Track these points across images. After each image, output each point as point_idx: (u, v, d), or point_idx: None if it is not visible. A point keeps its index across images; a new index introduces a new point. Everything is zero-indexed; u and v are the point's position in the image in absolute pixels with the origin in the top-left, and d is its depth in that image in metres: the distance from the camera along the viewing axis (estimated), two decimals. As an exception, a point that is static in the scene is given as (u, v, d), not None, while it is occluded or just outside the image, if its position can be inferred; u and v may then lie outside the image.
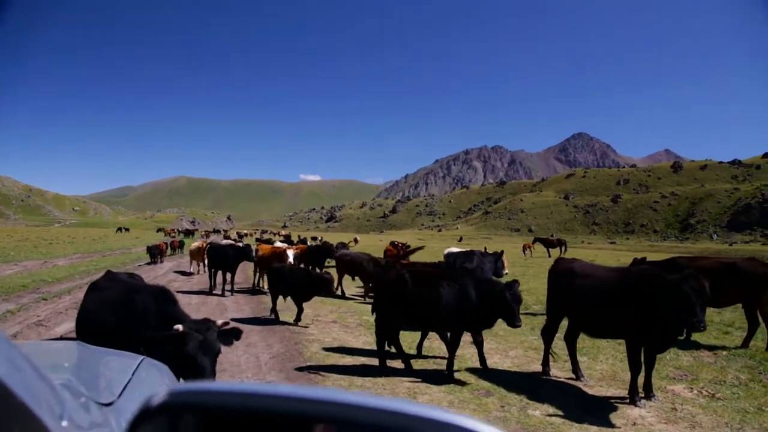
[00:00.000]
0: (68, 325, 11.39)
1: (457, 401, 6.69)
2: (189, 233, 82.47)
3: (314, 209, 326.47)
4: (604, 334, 7.49)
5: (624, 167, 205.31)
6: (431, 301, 7.66)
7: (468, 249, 15.55)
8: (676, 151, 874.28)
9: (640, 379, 6.90)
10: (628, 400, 6.78)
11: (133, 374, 2.42)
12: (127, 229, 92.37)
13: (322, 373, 7.89)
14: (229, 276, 17.33)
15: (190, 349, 4.39)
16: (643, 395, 6.85)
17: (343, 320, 12.51)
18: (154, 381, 2.63)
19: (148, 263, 27.62)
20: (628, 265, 11.65)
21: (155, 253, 28.95)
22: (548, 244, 45.74)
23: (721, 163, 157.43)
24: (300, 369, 8.12)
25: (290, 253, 16.92)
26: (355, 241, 46.67)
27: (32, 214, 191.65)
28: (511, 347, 9.84)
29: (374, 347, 9.68)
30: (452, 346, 7.89)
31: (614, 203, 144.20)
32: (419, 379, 7.60)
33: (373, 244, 54.83)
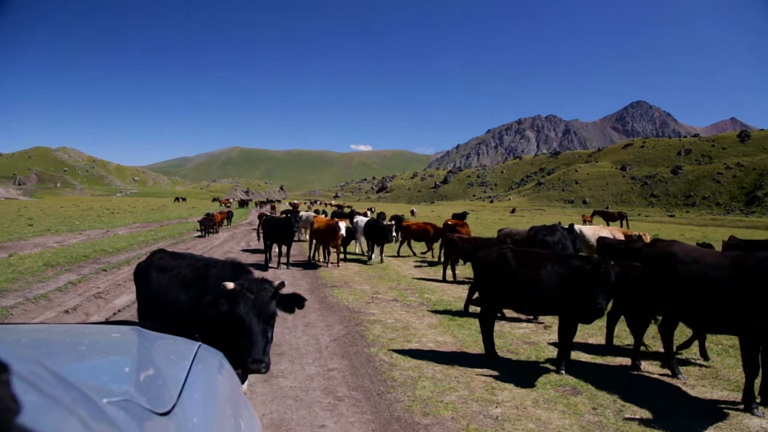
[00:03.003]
0: (126, 298, 11.28)
1: (542, 400, 5.99)
2: (243, 203, 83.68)
3: (365, 179, 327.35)
4: (714, 329, 6.56)
5: (686, 137, 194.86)
6: (536, 284, 6.94)
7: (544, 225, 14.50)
8: (742, 119, 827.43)
9: (757, 382, 6.01)
10: (742, 407, 5.90)
11: (189, 369, 1.99)
12: (184, 199, 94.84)
13: (388, 361, 7.33)
14: (284, 248, 17.02)
15: (241, 310, 3.93)
16: (759, 401, 5.95)
17: (405, 299, 11.94)
18: (212, 377, 2.18)
19: (199, 236, 27.50)
20: (721, 244, 10.48)
21: (207, 226, 28.34)
22: (608, 217, 44.02)
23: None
24: (365, 355, 7.58)
25: (342, 225, 16.43)
26: (412, 213, 46.15)
27: (96, 184, 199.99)
28: (590, 334, 9.02)
29: (441, 330, 9.11)
30: (561, 337, 7.11)
31: (674, 174, 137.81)
32: (497, 372, 6.92)
33: (425, 215, 53.89)
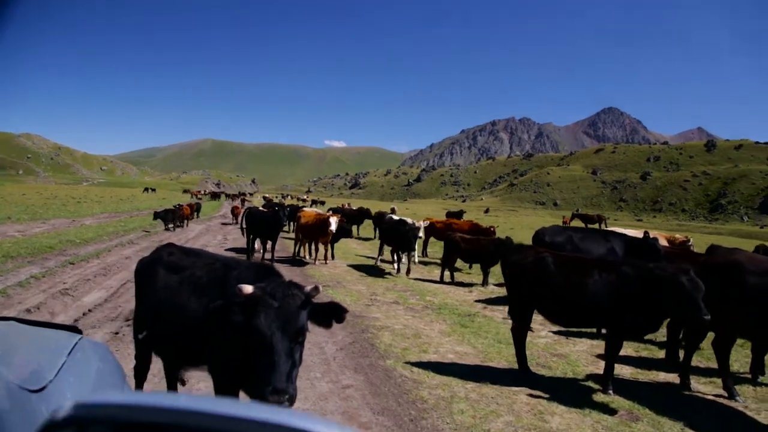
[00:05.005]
0: (97, 295, 10.11)
1: (601, 428, 5.16)
2: (215, 196, 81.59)
3: (338, 175, 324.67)
4: None
5: (655, 144, 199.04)
6: (578, 292, 6.09)
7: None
8: (708, 129, 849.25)
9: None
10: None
11: (68, 356, 2.27)
12: (153, 190, 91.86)
13: (409, 377, 6.41)
14: (269, 244, 15.94)
15: (261, 322, 2.97)
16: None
17: (405, 301, 11.05)
18: (91, 364, 2.47)
19: (166, 228, 25.21)
20: (705, 251, 9.83)
21: (169, 219, 25.24)
22: (587, 219, 44.02)
23: (757, 143, 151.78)
24: (381, 369, 6.66)
25: (333, 220, 15.36)
26: (393, 211, 45.27)
27: (61, 172, 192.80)
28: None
29: (456, 339, 8.25)
30: (608, 353, 6.28)
31: (643, 180, 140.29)
32: (537, 391, 6.07)
33: (401, 213, 52.95)
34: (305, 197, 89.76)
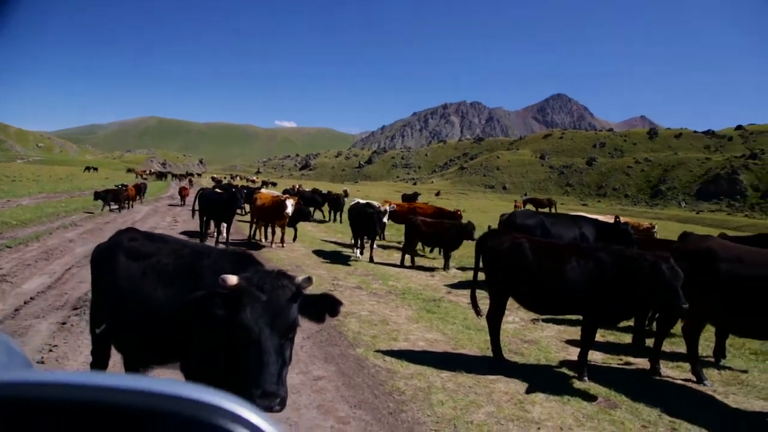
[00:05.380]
0: (39, 281, 9.39)
1: (583, 416, 5.07)
2: (161, 176, 78.73)
3: (289, 156, 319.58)
4: (755, 333, 5.93)
5: (600, 131, 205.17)
6: (556, 279, 5.97)
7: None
8: (651, 117, 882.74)
9: None
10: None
11: None
12: (95, 169, 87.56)
13: (383, 366, 6.19)
14: (224, 227, 15.35)
15: (247, 316, 2.66)
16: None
17: (368, 286, 10.81)
18: None
19: (111, 209, 24.08)
20: (677, 238, 10.00)
21: (110, 200, 23.71)
22: (538, 203, 44.92)
23: (695, 132, 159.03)
24: (352, 359, 6.40)
25: (290, 203, 14.89)
26: (346, 193, 44.78)
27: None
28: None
29: (425, 326, 8.08)
30: (584, 340, 6.23)
31: (589, 166, 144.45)
32: (514, 379, 5.95)
33: (353, 195, 52.67)
34: (254, 178, 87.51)
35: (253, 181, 69.47)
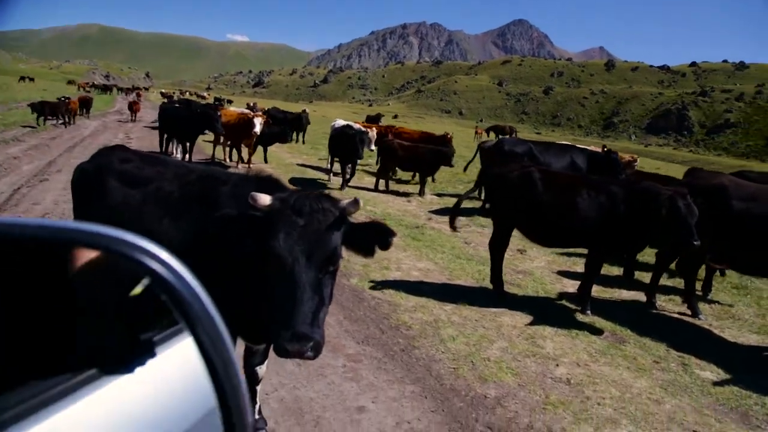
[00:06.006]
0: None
1: (595, 351, 4.97)
2: (106, 89, 74.00)
3: (241, 72, 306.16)
4: (762, 270, 5.91)
5: (559, 60, 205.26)
6: (567, 211, 5.69)
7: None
8: (610, 50, 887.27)
9: None
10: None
11: None
12: (31, 79, 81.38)
13: (383, 299, 5.92)
14: (188, 146, 14.35)
15: (280, 243, 2.22)
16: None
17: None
18: None
19: (56, 124, 22.01)
20: (684, 174, 9.92)
21: (46, 112, 21.27)
22: (500, 131, 44.86)
23: (651, 66, 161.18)
24: (348, 290, 6.10)
25: (258, 121, 14.00)
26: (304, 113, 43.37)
27: None
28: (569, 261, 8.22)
29: (414, 254, 7.82)
30: (589, 272, 6.07)
31: (545, 95, 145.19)
32: (519, 312, 5.78)
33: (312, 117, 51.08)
34: (206, 94, 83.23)
35: (204, 98, 65.96)
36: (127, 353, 1.07)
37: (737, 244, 5.69)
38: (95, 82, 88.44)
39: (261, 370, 3.21)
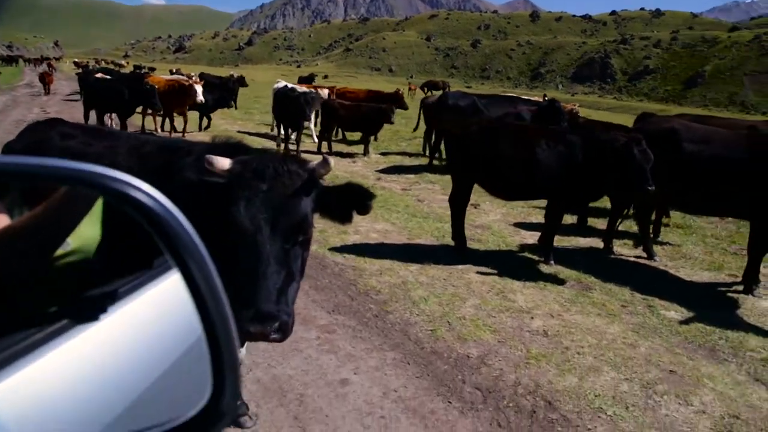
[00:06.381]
0: None
1: (565, 301, 4.99)
2: (11, 60, 68.03)
3: (160, 38, 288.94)
4: (714, 210, 6.09)
5: (485, 12, 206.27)
6: (526, 164, 5.60)
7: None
8: (533, 0, 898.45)
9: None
10: (740, 288, 5.57)
11: None
12: None
13: (346, 264, 5.72)
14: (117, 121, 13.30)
15: (241, 211, 1.97)
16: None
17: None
18: None
19: None
20: (636, 119, 10.08)
21: None
22: (434, 86, 44.93)
23: (574, 16, 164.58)
24: (310, 258, 5.83)
25: (199, 88, 13.17)
26: (234, 77, 41.65)
27: None
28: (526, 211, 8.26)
29: (368, 216, 7.59)
30: (550, 223, 6.05)
31: (473, 48, 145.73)
32: (484, 268, 5.72)
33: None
34: (123, 63, 78.10)
35: (122, 66, 61.95)
36: (96, 303, 1.05)
37: (689, 185, 5.80)
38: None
39: (241, 353, 2.95)
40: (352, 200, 2.22)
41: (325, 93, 13.20)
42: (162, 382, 1.08)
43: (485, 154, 5.82)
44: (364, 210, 2.23)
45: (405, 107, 15.21)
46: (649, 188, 5.15)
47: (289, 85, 13.64)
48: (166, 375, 1.10)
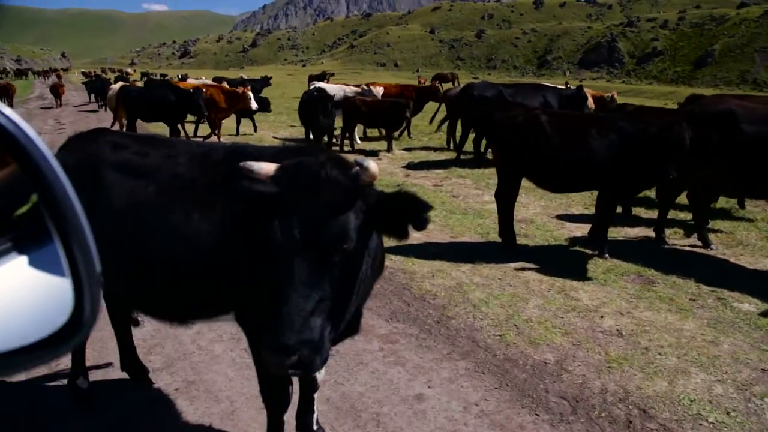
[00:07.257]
0: None
1: (631, 297, 4.76)
2: (20, 74, 68.53)
3: (165, 44, 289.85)
4: None
5: (489, 2, 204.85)
6: (579, 153, 5.38)
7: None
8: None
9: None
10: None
11: None
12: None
13: (395, 267, 5.49)
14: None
15: (273, 225, 1.79)
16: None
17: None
18: None
19: None
20: (685, 101, 9.66)
21: None
22: (443, 78, 44.69)
23: (578, 1, 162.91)
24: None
25: (251, 95, 13.11)
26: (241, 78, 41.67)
27: None
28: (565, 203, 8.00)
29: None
30: (604, 216, 5.82)
31: (478, 38, 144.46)
32: (539, 266, 5.48)
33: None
34: (130, 71, 78.21)
35: (128, 74, 61.88)
36: None
37: (753, 169, 5.52)
38: (7, 68, 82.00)
39: (320, 375, 2.75)
40: (406, 212, 1.89)
41: (379, 91, 12.97)
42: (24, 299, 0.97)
43: (535, 144, 5.57)
44: (421, 224, 1.90)
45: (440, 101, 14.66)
46: (671, 175, 5.03)
47: (320, 85, 13.43)
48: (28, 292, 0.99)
